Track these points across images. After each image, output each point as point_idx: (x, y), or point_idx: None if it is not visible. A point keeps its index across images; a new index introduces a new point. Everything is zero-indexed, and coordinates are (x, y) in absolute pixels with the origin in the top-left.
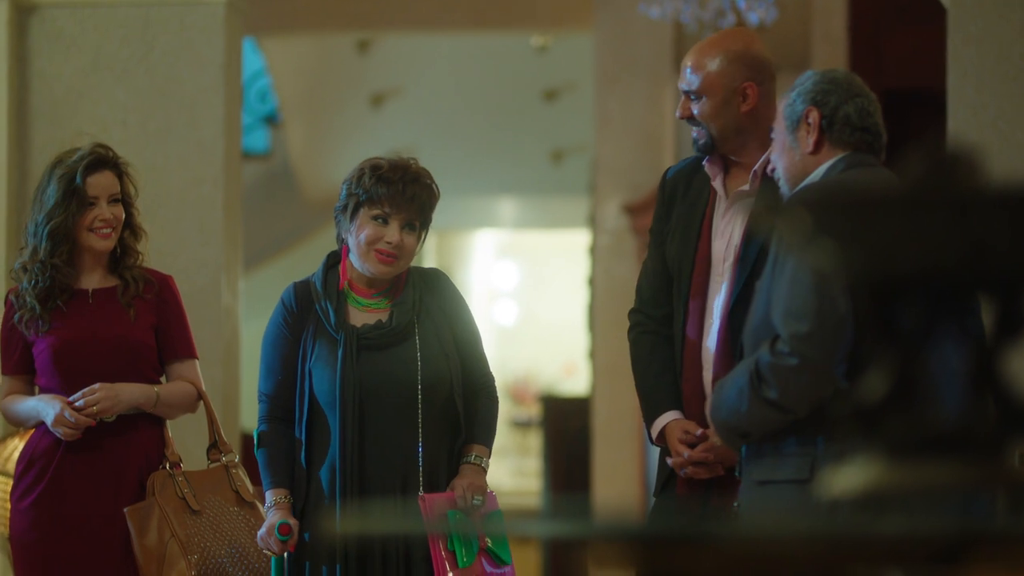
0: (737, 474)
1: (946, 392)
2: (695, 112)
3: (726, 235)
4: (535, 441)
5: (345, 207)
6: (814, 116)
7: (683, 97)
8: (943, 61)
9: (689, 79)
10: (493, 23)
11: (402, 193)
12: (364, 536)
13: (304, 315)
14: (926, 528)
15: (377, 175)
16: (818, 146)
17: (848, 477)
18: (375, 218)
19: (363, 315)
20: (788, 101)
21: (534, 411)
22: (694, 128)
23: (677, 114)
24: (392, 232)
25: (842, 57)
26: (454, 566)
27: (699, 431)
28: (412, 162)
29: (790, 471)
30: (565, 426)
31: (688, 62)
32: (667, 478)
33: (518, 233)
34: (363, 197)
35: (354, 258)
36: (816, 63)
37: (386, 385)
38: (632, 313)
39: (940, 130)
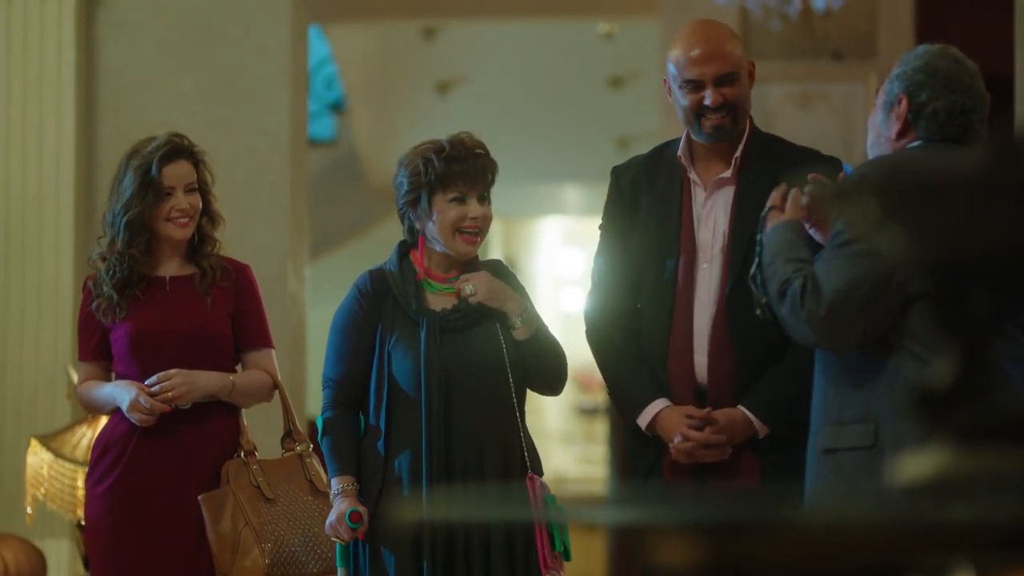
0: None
1: (1015, 378)
2: (726, 97)
3: (710, 222)
4: (601, 428)
5: (416, 199)
6: (903, 105)
7: (711, 87)
8: (1011, 46)
9: (722, 63)
10: (559, 10)
11: (475, 167)
12: (452, 521)
13: (380, 301)
14: (995, 515)
15: (444, 157)
16: (901, 134)
17: (917, 464)
18: (453, 200)
19: (440, 299)
20: (891, 76)
21: (600, 398)
22: (717, 116)
23: (709, 102)
24: (473, 208)
25: (908, 43)
26: (552, 548)
27: (703, 412)
28: (467, 137)
29: (854, 439)
30: None
31: (715, 47)
32: (650, 468)
33: (584, 220)
34: (436, 182)
35: (436, 244)
36: (882, 49)
37: (470, 367)
38: (592, 311)
39: (1008, 115)
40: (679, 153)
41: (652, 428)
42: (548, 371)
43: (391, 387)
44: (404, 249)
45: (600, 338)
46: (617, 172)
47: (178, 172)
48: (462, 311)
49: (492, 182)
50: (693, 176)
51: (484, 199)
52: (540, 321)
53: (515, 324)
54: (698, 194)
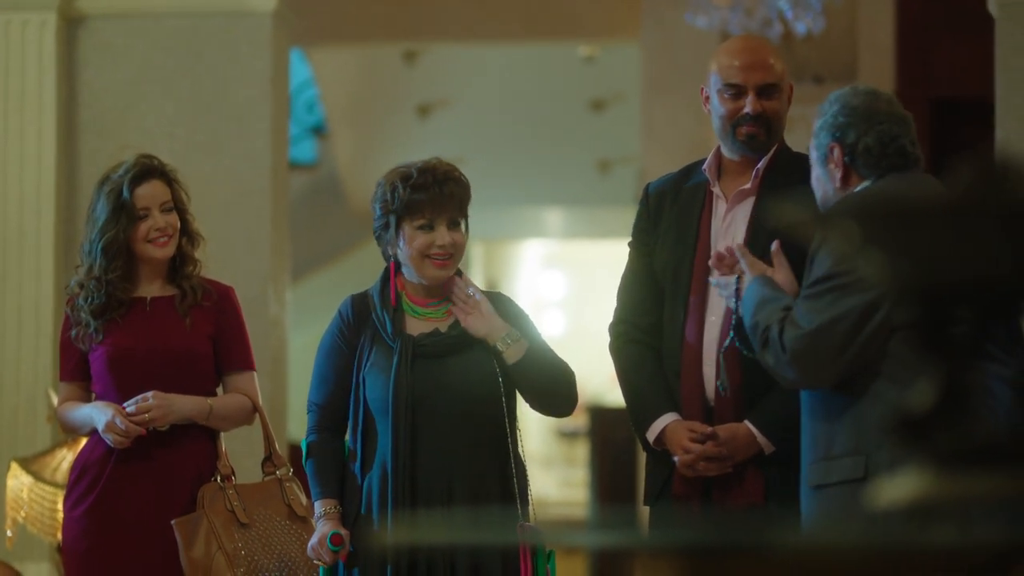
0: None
1: (995, 402)
2: (765, 109)
3: (728, 236)
4: (582, 451)
5: (386, 225)
6: (836, 152)
7: (752, 95)
8: (992, 71)
9: (766, 73)
10: (540, 33)
11: (441, 194)
12: (415, 546)
13: (360, 326)
14: (976, 539)
15: (410, 184)
16: (845, 180)
17: (898, 488)
18: (420, 227)
19: (420, 324)
20: (815, 130)
21: (581, 421)
22: (753, 126)
23: (749, 110)
24: (441, 235)
25: (889, 67)
26: None
27: (708, 429)
28: (437, 162)
29: (844, 472)
30: (612, 436)
31: (761, 57)
32: (663, 484)
33: (565, 243)
34: (402, 210)
35: (407, 270)
36: (863, 73)
37: (438, 394)
38: (615, 324)
39: (989, 139)
40: (705, 167)
41: (660, 442)
42: (548, 392)
43: (366, 411)
44: (388, 273)
45: (619, 353)
46: (647, 189)
47: (151, 192)
48: (438, 336)
49: (464, 208)
50: (716, 190)
51: (455, 225)
52: (538, 342)
53: (498, 348)
54: (719, 207)
